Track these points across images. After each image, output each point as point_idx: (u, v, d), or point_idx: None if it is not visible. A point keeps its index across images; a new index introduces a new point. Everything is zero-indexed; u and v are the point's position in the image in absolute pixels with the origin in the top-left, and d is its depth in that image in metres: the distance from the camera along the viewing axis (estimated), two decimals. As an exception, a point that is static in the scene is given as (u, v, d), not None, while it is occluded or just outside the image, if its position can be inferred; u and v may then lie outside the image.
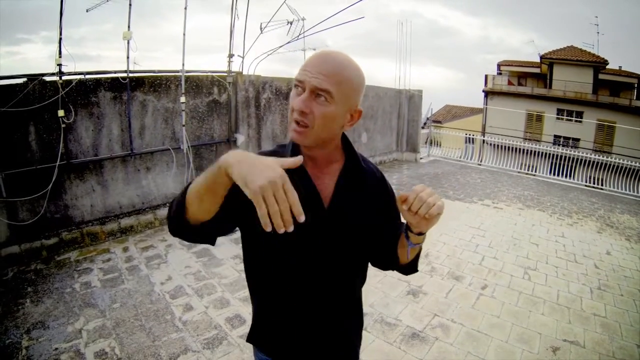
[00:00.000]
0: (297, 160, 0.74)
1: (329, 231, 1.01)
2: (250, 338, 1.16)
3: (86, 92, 4.01)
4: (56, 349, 2.48)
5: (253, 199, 0.65)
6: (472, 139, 12.14)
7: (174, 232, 0.91)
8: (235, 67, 5.29)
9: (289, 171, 0.87)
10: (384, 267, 1.19)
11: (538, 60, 20.72)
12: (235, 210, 0.89)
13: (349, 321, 1.16)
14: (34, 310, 2.91)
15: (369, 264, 1.19)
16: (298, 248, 1.00)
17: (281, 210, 0.65)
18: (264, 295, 1.09)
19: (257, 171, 0.67)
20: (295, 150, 0.99)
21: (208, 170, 0.77)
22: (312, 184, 0.99)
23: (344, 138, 1.06)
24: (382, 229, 1.12)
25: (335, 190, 1.02)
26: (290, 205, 0.66)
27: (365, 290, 1.22)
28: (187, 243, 4.24)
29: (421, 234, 0.95)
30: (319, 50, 0.93)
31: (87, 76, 3.99)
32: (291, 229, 0.66)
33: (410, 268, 1.14)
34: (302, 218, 0.67)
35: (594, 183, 8.96)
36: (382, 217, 1.12)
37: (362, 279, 1.18)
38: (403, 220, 0.95)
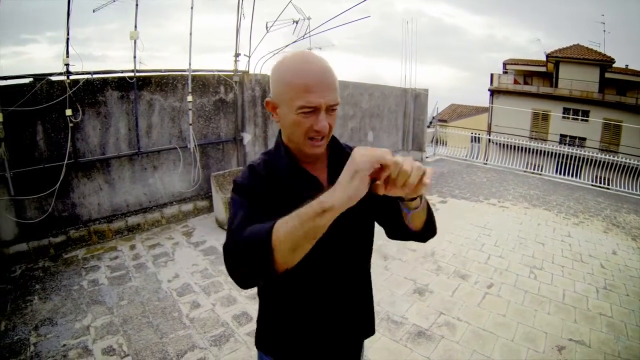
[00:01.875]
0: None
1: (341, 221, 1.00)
2: (261, 345, 1.15)
3: (93, 91, 4.04)
4: (64, 345, 2.52)
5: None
6: (478, 138, 12.09)
7: (249, 284, 0.83)
8: (241, 66, 5.32)
9: (294, 177, 0.96)
10: (400, 237, 1.09)
11: (544, 58, 20.59)
12: None
13: (363, 315, 1.17)
14: (42, 307, 2.95)
15: (390, 237, 1.13)
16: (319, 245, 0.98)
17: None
18: (281, 301, 1.08)
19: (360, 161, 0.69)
20: (289, 154, 0.99)
21: (303, 218, 0.71)
22: (319, 182, 0.99)
23: None
24: (381, 201, 1.08)
25: (329, 181, 1.00)
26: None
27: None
28: (193, 241, 4.27)
29: (414, 199, 0.88)
30: (303, 64, 0.88)
31: (94, 76, 4.03)
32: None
33: (425, 233, 1.03)
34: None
35: (600, 182, 8.88)
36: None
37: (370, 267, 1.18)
38: None
